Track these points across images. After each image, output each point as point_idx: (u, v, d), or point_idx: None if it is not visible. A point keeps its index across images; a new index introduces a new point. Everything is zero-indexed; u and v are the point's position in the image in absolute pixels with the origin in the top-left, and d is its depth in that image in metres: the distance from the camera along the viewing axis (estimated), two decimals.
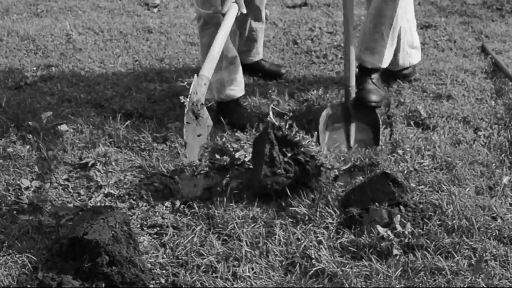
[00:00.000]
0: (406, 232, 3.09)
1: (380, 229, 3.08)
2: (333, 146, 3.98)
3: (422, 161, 3.70)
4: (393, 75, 4.73)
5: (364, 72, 4.27)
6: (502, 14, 5.82)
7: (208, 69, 3.54)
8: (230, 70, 4.21)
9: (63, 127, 4.21)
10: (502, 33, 5.42)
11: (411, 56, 4.69)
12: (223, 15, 3.89)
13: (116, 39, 5.58)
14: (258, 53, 4.84)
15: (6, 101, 4.60)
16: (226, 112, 4.25)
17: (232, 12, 3.92)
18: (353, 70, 4.13)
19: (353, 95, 4.12)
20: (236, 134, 4.05)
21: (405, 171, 3.59)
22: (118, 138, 4.09)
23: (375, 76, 4.27)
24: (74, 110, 4.47)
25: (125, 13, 6.15)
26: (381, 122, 4.06)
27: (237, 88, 4.26)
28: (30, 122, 4.25)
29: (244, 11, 3.92)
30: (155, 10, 6.18)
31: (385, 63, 4.30)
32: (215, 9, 4.06)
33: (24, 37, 5.68)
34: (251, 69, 4.77)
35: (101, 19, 6.03)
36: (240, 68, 4.29)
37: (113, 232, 3.02)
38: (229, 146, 3.89)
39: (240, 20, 4.23)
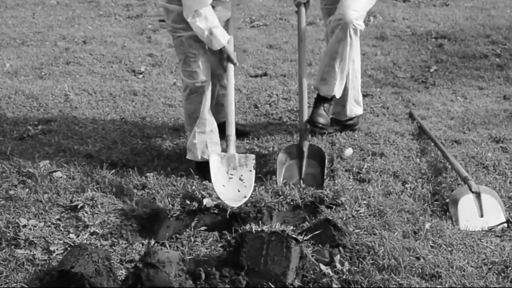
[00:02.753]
0: (344, 270, 3.08)
1: (322, 267, 3.05)
2: (288, 178, 4.06)
3: (359, 208, 3.69)
4: (341, 124, 4.81)
5: (318, 99, 4.36)
6: (427, 86, 5.88)
7: (232, 130, 3.94)
8: (213, 134, 4.18)
9: (58, 174, 4.15)
10: (426, 101, 5.47)
11: (356, 109, 4.80)
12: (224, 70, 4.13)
13: (107, 100, 5.53)
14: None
15: (10, 150, 4.54)
16: (206, 171, 4.04)
17: (231, 70, 4.08)
18: (306, 114, 4.24)
19: (305, 137, 4.21)
20: (204, 182, 4.01)
21: (344, 217, 3.58)
22: (104, 184, 4.03)
23: (327, 105, 4.35)
24: (68, 159, 4.40)
25: (115, 78, 6.12)
26: (326, 160, 4.12)
27: (216, 149, 4.20)
28: (30, 169, 4.20)
29: (237, 64, 4.09)
30: (140, 76, 6.16)
31: (337, 93, 4.37)
32: (201, 79, 4.06)
33: (29, 96, 5.62)
34: (221, 129, 4.77)
35: (95, 82, 5.99)
36: (217, 132, 4.25)
37: (96, 266, 3.00)
38: (197, 193, 3.85)
39: (211, 90, 4.23)
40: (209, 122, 4.14)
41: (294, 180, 4.06)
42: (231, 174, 3.80)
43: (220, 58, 4.22)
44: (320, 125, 4.27)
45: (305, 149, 4.18)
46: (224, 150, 4.07)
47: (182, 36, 3.98)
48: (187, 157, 4.22)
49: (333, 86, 4.31)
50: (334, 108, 4.75)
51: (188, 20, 3.84)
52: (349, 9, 4.13)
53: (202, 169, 4.15)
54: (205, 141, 4.13)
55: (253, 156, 3.85)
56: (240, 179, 3.78)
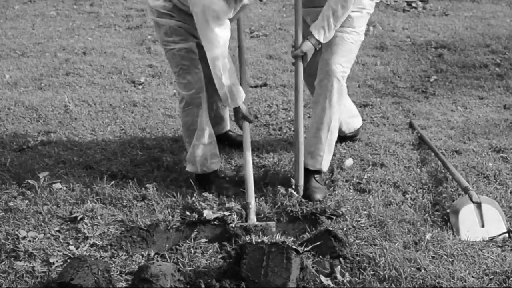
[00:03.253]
0: (345, 281, 3.07)
1: (323, 278, 3.05)
2: None
3: (359, 219, 3.69)
4: (340, 137, 4.69)
5: (308, 173, 4.16)
6: (427, 96, 5.89)
7: (251, 196, 3.85)
8: (212, 145, 4.17)
9: (57, 185, 4.14)
10: (427, 111, 5.47)
11: (353, 123, 4.76)
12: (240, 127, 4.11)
13: (106, 111, 5.54)
14: (226, 126, 4.80)
15: (10, 161, 4.54)
16: (206, 183, 4.15)
17: (247, 128, 4.08)
18: (301, 172, 4.07)
19: (301, 193, 4.05)
20: (204, 194, 4.01)
21: (345, 228, 3.57)
22: (104, 195, 4.03)
23: (318, 176, 4.17)
24: (68, 170, 4.40)
25: (115, 89, 6.12)
26: None
27: (216, 161, 4.20)
28: (29, 180, 4.18)
29: (254, 122, 4.01)
30: (140, 87, 6.16)
31: (324, 167, 4.20)
32: (195, 90, 4.05)
33: (29, 107, 5.62)
34: (220, 139, 4.76)
35: (95, 93, 5.99)
36: (217, 144, 4.24)
37: (95, 278, 3.00)
38: (197, 204, 3.85)
39: (209, 103, 4.24)
40: (208, 134, 4.12)
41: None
42: None
43: (235, 117, 4.16)
44: (318, 200, 3.98)
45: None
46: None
47: (174, 49, 3.99)
48: (187, 169, 4.22)
49: (320, 159, 4.17)
50: None
51: (214, 72, 3.81)
52: (334, 63, 3.99)
53: (202, 180, 4.16)
54: (204, 154, 4.12)
55: (273, 223, 3.67)
56: None
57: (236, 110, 4.06)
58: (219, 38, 3.72)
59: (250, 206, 3.79)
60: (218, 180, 4.20)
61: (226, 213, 3.74)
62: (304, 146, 4.12)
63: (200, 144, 4.11)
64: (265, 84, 6.20)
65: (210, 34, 3.69)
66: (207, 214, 3.72)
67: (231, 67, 3.86)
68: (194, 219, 3.71)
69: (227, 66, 3.82)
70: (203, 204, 3.85)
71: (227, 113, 4.77)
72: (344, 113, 4.56)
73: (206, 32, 3.70)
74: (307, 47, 3.92)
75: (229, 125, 4.84)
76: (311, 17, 4.10)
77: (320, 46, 3.95)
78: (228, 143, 4.79)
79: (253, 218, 3.72)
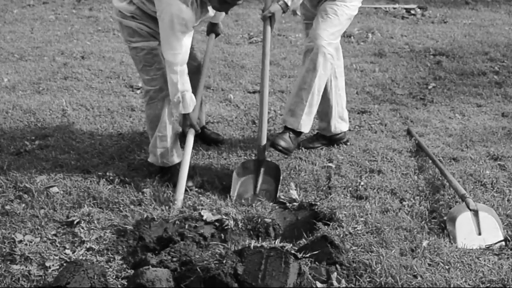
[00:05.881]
0: None
1: (319, 285, 3.04)
2: (243, 192, 4.15)
3: (356, 226, 3.69)
4: (327, 139, 4.88)
5: (286, 127, 4.44)
6: (425, 103, 5.90)
7: (181, 194, 3.98)
8: (173, 139, 4.30)
9: (54, 189, 4.15)
10: (424, 119, 5.49)
11: (341, 126, 4.87)
12: (184, 135, 4.17)
13: (104, 115, 5.54)
14: (201, 122, 4.89)
15: (7, 165, 4.54)
16: (167, 175, 4.31)
17: (191, 136, 4.16)
18: (265, 131, 4.28)
19: (262, 154, 4.28)
20: (201, 198, 4.02)
21: (341, 235, 3.57)
22: (101, 200, 4.03)
23: (292, 135, 4.42)
24: (65, 174, 4.40)
25: (113, 93, 6.13)
26: (281, 177, 4.20)
27: (177, 154, 4.33)
28: (26, 184, 4.20)
29: (199, 131, 4.22)
30: (138, 91, 6.17)
31: (303, 127, 4.42)
32: (159, 87, 4.16)
33: (26, 110, 5.62)
34: (195, 136, 4.81)
35: (93, 97, 6.00)
36: (178, 139, 4.39)
37: (91, 283, 3.00)
38: (196, 207, 3.87)
39: None
40: (170, 128, 4.25)
41: (248, 194, 4.14)
42: None
43: (182, 123, 4.26)
44: (280, 148, 4.33)
45: (262, 165, 4.26)
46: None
47: (137, 47, 4.10)
48: (149, 159, 4.40)
49: (300, 119, 4.39)
50: (320, 124, 4.88)
51: (169, 76, 3.94)
52: (320, 34, 4.28)
53: (164, 173, 4.33)
54: (166, 147, 4.25)
55: None
56: None
57: (185, 117, 4.16)
58: (182, 45, 3.85)
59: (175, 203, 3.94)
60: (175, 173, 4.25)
61: (224, 217, 3.74)
62: (286, 105, 4.42)
63: (162, 136, 4.24)
64: None
65: (174, 41, 3.82)
66: (207, 216, 3.73)
67: (187, 78, 3.99)
68: (192, 223, 3.71)
69: (184, 73, 3.95)
70: (201, 207, 3.88)
71: (202, 111, 4.88)
72: (337, 108, 4.76)
73: (170, 39, 3.82)
74: (275, 8, 4.22)
75: (203, 122, 4.94)
76: None
77: (287, 8, 4.24)
78: (203, 140, 4.93)
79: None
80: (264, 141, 4.28)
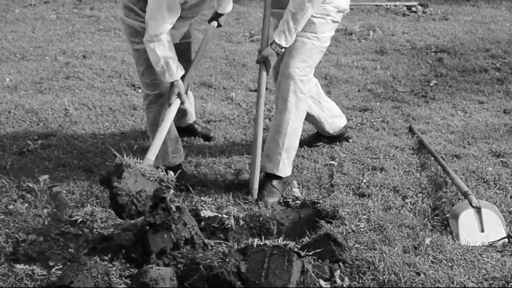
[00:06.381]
0: (344, 286, 3.07)
1: (322, 283, 3.04)
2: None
3: (358, 223, 3.69)
4: (327, 137, 4.83)
5: (267, 176, 4.19)
6: (426, 100, 5.90)
7: (153, 153, 3.67)
8: (173, 141, 4.28)
9: (57, 189, 4.16)
10: (426, 116, 5.48)
11: (336, 122, 4.76)
12: (170, 105, 3.97)
13: (106, 114, 5.55)
14: (192, 117, 4.90)
15: (10, 165, 4.55)
16: None
17: (174, 107, 3.98)
18: (257, 175, 4.06)
19: (255, 196, 4.07)
20: (202, 198, 4.02)
21: (344, 232, 3.57)
22: (103, 199, 4.03)
23: (275, 181, 4.16)
24: (68, 174, 4.41)
25: (115, 93, 6.14)
26: None
27: (178, 155, 4.31)
28: (29, 183, 4.20)
29: (185, 102, 4.06)
30: (140, 90, 6.17)
31: (281, 172, 4.17)
32: (159, 91, 4.14)
33: (29, 110, 5.63)
34: (185, 131, 4.80)
35: (95, 97, 6.00)
36: (179, 139, 4.36)
37: (95, 282, 3.00)
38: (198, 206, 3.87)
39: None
40: (170, 131, 4.14)
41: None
42: None
43: (169, 92, 4.06)
44: (270, 204, 4.01)
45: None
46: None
47: (140, 49, 4.06)
48: (154, 164, 4.26)
49: (278, 164, 4.14)
50: (316, 129, 4.82)
51: (147, 45, 3.84)
52: (291, 72, 4.01)
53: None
54: (165, 149, 4.20)
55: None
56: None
57: (173, 85, 3.97)
58: (166, 21, 3.76)
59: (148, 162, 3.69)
60: (182, 173, 4.19)
61: (225, 216, 3.73)
62: (264, 149, 4.16)
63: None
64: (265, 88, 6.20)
65: (158, 15, 3.72)
66: (206, 213, 3.73)
67: (170, 46, 3.87)
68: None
69: (164, 42, 3.82)
70: (202, 205, 3.88)
71: (192, 106, 4.91)
72: (325, 113, 4.65)
73: (154, 12, 3.73)
74: (268, 52, 3.96)
75: (194, 117, 4.96)
76: (277, 18, 4.16)
77: (283, 50, 3.96)
78: (194, 136, 4.95)
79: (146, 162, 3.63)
80: (256, 184, 4.08)
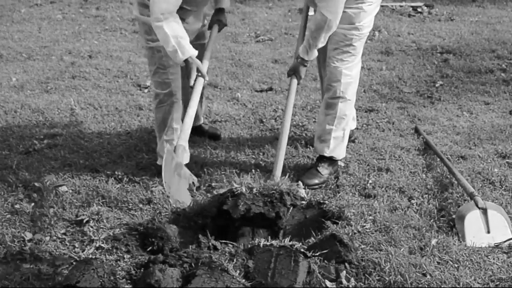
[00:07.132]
0: (350, 286, 3.07)
1: (328, 283, 3.04)
2: None
3: (364, 224, 3.69)
4: None
5: (317, 159, 4.40)
6: (432, 101, 5.89)
7: (184, 139, 3.82)
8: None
9: (63, 188, 4.16)
10: (432, 117, 5.47)
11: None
12: (192, 87, 3.93)
13: (112, 114, 5.55)
14: (199, 119, 4.92)
15: (16, 164, 4.55)
16: None
17: (199, 85, 3.97)
18: (281, 165, 3.97)
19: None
20: None
21: (350, 233, 3.56)
22: (109, 199, 4.04)
23: (323, 163, 4.34)
24: (74, 173, 4.41)
25: (120, 92, 6.14)
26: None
27: (186, 156, 4.27)
28: (35, 183, 4.20)
29: (207, 79, 4.05)
30: (146, 90, 6.18)
31: (334, 153, 4.36)
32: (170, 90, 4.15)
33: (35, 110, 5.64)
34: (194, 132, 4.81)
35: (101, 96, 6.01)
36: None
37: (101, 281, 3.00)
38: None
39: (184, 100, 4.32)
40: (178, 132, 4.19)
41: None
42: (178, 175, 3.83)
43: (187, 74, 4.04)
44: (311, 187, 4.22)
45: None
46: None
47: (154, 47, 4.05)
48: (158, 162, 4.38)
49: (329, 143, 4.35)
50: None
51: (155, 25, 3.79)
52: (339, 77, 4.20)
53: None
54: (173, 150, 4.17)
55: (197, 179, 4.01)
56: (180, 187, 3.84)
57: (188, 62, 3.93)
58: (170, 3, 3.74)
59: (179, 147, 3.87)
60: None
61: (236, 186, 3.60)
62: (316, 131, 4.41)
63: (170, 140, 4.26)
64: (270, 89, 6.21)
65: None
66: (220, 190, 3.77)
67: (181, 28, 3.83)
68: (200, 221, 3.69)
69: (170, 21, 3.77)
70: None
71: (202, 110, 4.92)
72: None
73: None
74: (294, 65, 4.20)
75: (202, 119, 4.99)
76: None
77: (306, 62, 4.15)
78: (201, 135, 4.97)
79: (180, 160, 3.81)
80: (278, 172, 3.97)
